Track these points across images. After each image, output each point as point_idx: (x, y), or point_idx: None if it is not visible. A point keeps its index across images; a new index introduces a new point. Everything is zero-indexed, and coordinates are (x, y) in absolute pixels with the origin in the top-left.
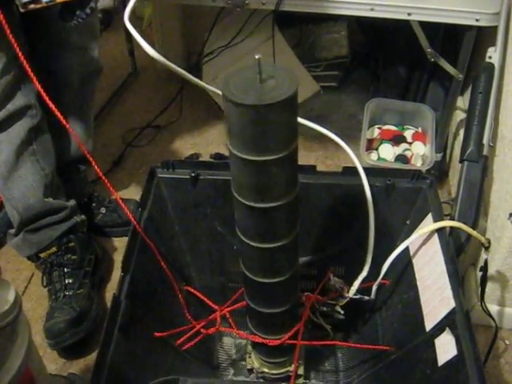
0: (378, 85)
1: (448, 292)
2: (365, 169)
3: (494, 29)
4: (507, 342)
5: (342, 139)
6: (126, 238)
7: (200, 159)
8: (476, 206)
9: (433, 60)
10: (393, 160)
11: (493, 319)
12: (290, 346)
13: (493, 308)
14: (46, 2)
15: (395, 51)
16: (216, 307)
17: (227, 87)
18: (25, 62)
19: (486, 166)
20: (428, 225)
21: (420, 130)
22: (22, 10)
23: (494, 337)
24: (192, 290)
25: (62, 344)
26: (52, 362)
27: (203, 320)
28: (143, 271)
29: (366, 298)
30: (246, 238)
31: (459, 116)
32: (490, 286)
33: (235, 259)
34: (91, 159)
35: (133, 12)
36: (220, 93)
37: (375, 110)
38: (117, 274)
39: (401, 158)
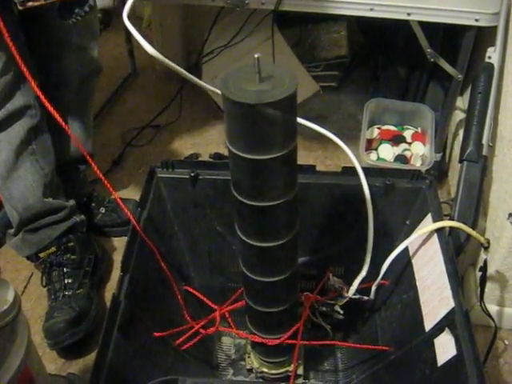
0: (378, 85)
1: (447, 292)
2: (364, 169)
3: (494, 29)
4: (506, 342)
5: (342, 139)
6: (126, 238)
7: (199, 159)
8: (475, 206)
9: (432, 60)
10: (392, 160)
11: (492, 319)
12: (290, 345)
13: (492, 308)
14: (45, 0)
15: (395, 51)
16: (215, 307)
17: (226, 86)
18: (21, 64)
19: (485, 166)
20: (427, 225)
21: (419, 130)
22: (20, 8)
23: (493, 337)
24: (191, 290)
25: (61, 344)
26: (51, 362)
27: (202, 320)
28: (142, 271)
29: (366, 297)
30: (245, 236)
31: (459, 116)
32: (489, 286)
33: (234, 259)
34: (90, 160)
35: (132, 12)
36: (219, 92)
37: (375, 110)
38: (116, 273)
39: (400, 158)
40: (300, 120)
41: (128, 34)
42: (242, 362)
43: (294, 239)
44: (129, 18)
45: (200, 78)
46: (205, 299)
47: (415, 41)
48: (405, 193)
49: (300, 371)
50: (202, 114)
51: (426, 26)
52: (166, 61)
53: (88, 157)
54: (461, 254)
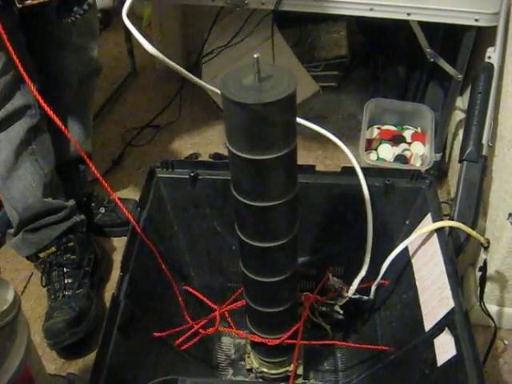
0: (378, 85)
1: (447, 292)
2: (364, 169)
3: (494, 29)
4: (506, 342)
5: (342, 139)
6: (125, 238)
7: (199, 159)
8: (475, 206)
9: (432, 60)
10: (392, 160)
11: (492, 319)
12: (289, 345)
13: (492, 308)
14: None
15: (394, 51)
16: (215, 307)
17: (226, 86)
18: (20, 66)
19: (485, 166)
20: (427, 225)
21: (419, 130)
22: (18, 6)
23: (493, 337)
24: (191, 290)
25: (61, 344)
26: (51, 362)
27: (202, 320)
28: (142, 271)
29: (365, 297)
30: (245, 237)
31: (458, 116)
32: (489, 286)
33: (234, 259)
34: (88, 161)
35: (132, 11)
36: (219, 92)
37: (374, 110)
38: (116, 273)
39: (400, 158)
40: (299, 120)
41: (128, 33)
42: (242, 362)
43: (294, 239)
44: (128, 17)
45: (200, 77)
46: (204, 299)
47: (415, 41)
48: (405, 193)
49: (300, 371)
50: (201, 114)
51: (425, 25)
52: (166, 60)
53: (87, 157)
54: (460, 254)
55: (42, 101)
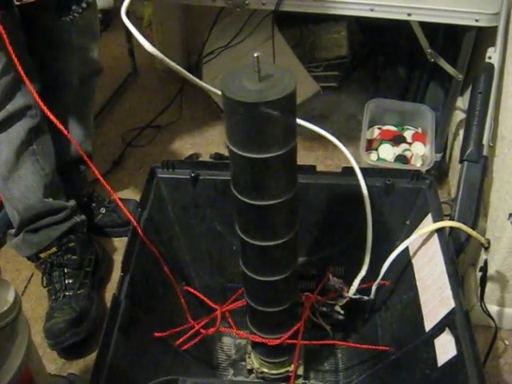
0: (378, 85)
1: (448, 292)
2: (364, 169)
3: (494, 29)
4: (507, 343)
5: (342, 139)
6: (126, 238)
7: (200, 159)
8: (476, 206)
9: (432, 60)
10: (392, 160)
11: (492, 319)
12: (290, 345)
13: (492, 308)
14: None
15: (395, 51)
16: (216, 306)
17: (226, 85)
18: (19, 68)
19: (485, 167)
20: (428, 225)
21: (420, 130)
22: (16, 3)
23: (493, 337)
24: (192, 290)
25: (61, 344)
26: (52, 362)
27: (203, 319)
28: (143, 271)
29: (366, 298)
30: (245, 236)
31: (459, 116)
32: (489, 287)
33: (235, 259)
34: (89, 161)
35: (132, 11)
36: (220, 93)
37: (375, 111)
38: (117, 274)
39: (400, 159)
40: (299, 121)
41: (128, 33)
42: (243, 363)
43: (294, 238)
44: (128, 17)
45: (200, 78)
46: (205, 299)
47: (415, 41)
48: (405, 193)
49: (300, 371)
50: (202, 114)
51: (426, 26)
52: (166, 60)
53: (87, 158)
54: (461, 254)
55: (41, 103)
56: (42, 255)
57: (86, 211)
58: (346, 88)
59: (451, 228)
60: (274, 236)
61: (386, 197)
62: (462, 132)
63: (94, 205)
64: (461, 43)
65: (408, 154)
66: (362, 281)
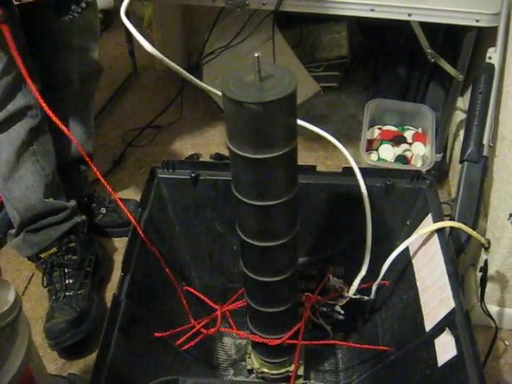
0: (378, 85)
1: (448, 292)
2: (364, 169)
3: (494, 29)
4: (507, 343)
5: (342, 140)
6: (126, 238)
7: (200, 159)
8: (476, 206)
9: (433, 60)
10: (393, 160)
11: (492, 320)
12: (290, 346)
13: (492, 308)
14: None
15: (395, 52)
16: (216, 306)
17: (227, 85)
18: (22, 67)
19: (485, 167)
20: (428, 225)
21: (420, 130)
22: (15, 3)
23: (493, 337)
24: (192, 291)
25: (62, 344)
26: (52, 363)
27: (203, 319)
28: (143, 271)
29: (366, 298)
30: (246, 236)
31: (459, 116)
32: (489, 287)
33: (235, 259)
34: (90, 162)
35: (132, 11)
36: (220, 93)
37: (375, 111)
38: (117, 274)
39: (401, 159)
40: (299, 121)
41: (128, 33)
42: (243, 363)
43: (294, 239)
44: (128, 17)
45: (200, 78)
46: (205, 299)
47: (416, 41)
48: (405, 193)
49: (300, 371)
50: (202, 115)
51: (426, 26)
52: (165, 59)
53: (88, 158)
54: (461, 255)
55: (43, 103)
56: (43, 255)
57: (87, 211)
58: (346, 88)
59: (451, 228)
60: (274, 236)
61: (387, 197)
62: (462, 132)
63: (94, 205)
64: (461, 43)
65: (408, 154)
66: (362, 281)
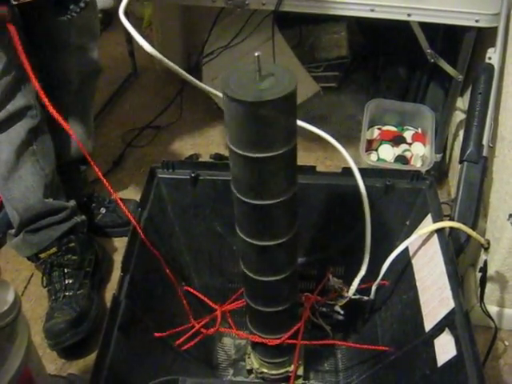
0: (378, 85)
1: (447, 292)
2: (364, 170)
3: (494, 30)
4: (506, 343)
5: (342, 140)
6: (126, 238)
7: (200, 160)
8: (475, 206)
9: (432, 61)
10: (392, 161)
11: (492, 320)
12: (290, 346)
13: (492, 309)
14: None
15: (395, 52)
16: (216, 306)
17: (227, 84)
18: (26, 63)
19: (485, 167)
20: (427, 225)
21: (420, 130)
22: (14, 3)
23: (493, 337)
24: (192, 290)
25: (61, 344)
26: (51, 363)
27: (203, 319)
28: (143, 271)
29: (366, 298)
30: (245, 235)
31: (459, 117)
32: (489, 287)
33: (235, 259)
34: (91, 161)
35: (131, 11)
36: (219, 94)
37: (375, 111)
38: (117, 274)
39: (400, 159)
40: (298, 122)
41: (128, 34)
42: (242, 363)
43: (294, 238)
44: (128, 17)
45: (200, 78)
46: (205, 299)
47: (415, 41)
48: (405, 193)
49: (300, 372)
50: (202, 115)
51: (426, 26)
52: (164, 59)
53: (89, 157)
54: (461, 255)
55: (44, 98)
56: (42, 255)
57: (86, 211)
58: (345, 88)
59: (451, 228)
60: (273, 236)
61: (386, 197)
62: (461, 132)
63: (94, 205)
64: (461, 44)
65: (408, 154)
66: (362, 281)
